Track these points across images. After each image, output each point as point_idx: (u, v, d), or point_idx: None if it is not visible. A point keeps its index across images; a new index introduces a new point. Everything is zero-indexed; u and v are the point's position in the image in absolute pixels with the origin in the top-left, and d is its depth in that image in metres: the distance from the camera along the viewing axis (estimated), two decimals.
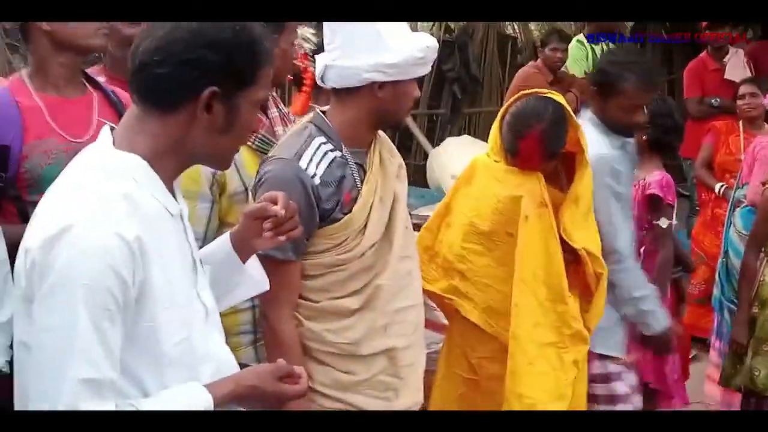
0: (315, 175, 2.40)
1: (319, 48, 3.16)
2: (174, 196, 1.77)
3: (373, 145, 2.55)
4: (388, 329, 2.55)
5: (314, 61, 3.09)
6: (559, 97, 3.11)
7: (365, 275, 2.50)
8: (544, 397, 3.04)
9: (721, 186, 5.42)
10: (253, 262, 2.11)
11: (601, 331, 3.28)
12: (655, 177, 3.94)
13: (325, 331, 2.48)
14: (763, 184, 4.19)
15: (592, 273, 3.13)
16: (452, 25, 9.10)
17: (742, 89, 5.50)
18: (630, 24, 8.82)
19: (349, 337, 2.49)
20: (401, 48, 2.40)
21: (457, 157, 6.91)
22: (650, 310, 3.45)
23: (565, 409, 3.08)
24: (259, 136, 2.68)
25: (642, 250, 3.84)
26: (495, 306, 3.11)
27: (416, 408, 2.69)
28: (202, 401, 1.70)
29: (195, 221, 2.36)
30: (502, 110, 3.15)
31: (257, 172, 2.49)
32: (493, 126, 3.20)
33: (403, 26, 2.48)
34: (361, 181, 2.49)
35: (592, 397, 3.42)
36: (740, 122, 5.55)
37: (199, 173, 2.55)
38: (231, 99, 1.69)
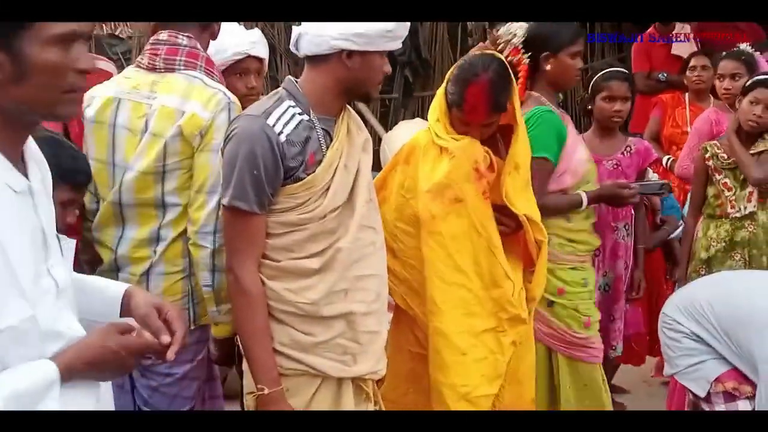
0: (282, 132, 2.47)
1: (528, 41, 3.37)
2: (26, 167, 1.67)
3: (341, 116, 2.62)
4: (349, 294, 2.58)
5: (525, 53, 3.33)
6: (502, 57, 3.15)
7: (326, 238, 2.54)
8: (480, 382, 3.05)
9: (668, 159, 5.43)
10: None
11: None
12: (644, 143, 4.16)
13: (285, 290, 2.52)
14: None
15: (533, 241, 3.13)
16: None
17: (694, 61, 5.54)
18: None
19: (310, 297, 2.52)
20: None
21: (409, 138, 6.91)
22: None
23: (500, 386, 3.08)
24: None
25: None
26: (416, 288, 3.11)
27: (375, 378, 2.71)
28: (48, 373, 1.64)
29: None
30: (447, 76, 3.14)
31: (227, 129, 2.57)
32: (438, 92, 3.18)
33: None
34: (327, 146, 2.55)
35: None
36: (686, 95, 5.63)
37: None
38: (10, 45, 1.55)
